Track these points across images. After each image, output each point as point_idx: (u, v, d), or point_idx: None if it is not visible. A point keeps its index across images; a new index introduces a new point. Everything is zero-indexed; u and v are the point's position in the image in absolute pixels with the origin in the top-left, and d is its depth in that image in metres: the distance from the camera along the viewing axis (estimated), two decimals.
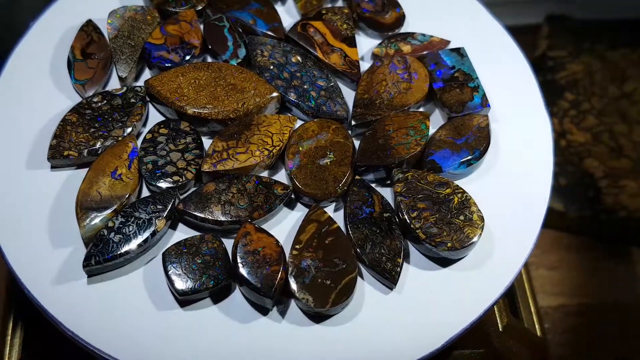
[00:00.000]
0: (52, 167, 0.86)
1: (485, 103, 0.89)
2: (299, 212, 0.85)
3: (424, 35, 0.96)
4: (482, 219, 0.81)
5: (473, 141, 0.86)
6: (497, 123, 0.91)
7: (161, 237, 0.82)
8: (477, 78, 0.91)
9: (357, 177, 0.86)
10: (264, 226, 0.84)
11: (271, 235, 0.80)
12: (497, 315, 0.98)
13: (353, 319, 0.78)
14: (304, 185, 0.84)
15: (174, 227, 0.84)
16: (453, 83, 0.91)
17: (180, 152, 0.86)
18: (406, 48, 0.94)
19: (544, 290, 1.36)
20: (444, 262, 0.81)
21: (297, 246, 0.80)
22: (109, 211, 0.81)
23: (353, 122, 0.89)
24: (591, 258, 1.41)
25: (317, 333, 0.77)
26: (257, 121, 0.88)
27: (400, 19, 0.98)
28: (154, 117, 0.91)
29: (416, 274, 0.81)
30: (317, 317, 0.78)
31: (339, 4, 1.01)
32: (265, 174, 0.88)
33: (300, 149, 0.86)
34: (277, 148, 0.86)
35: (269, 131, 0.87)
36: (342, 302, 0.77)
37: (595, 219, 1.43)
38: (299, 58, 0.93)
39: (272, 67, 0.92)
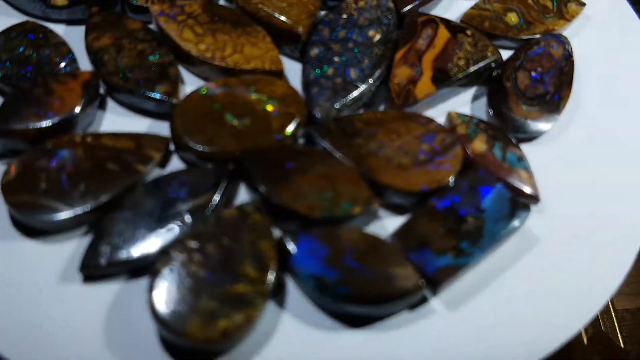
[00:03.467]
0: None
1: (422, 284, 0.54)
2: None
3: (520, 159, 0.60)
4: (223, 334, 0.50)
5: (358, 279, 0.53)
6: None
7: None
8: (481, 251, 0.55)
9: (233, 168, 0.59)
10: (115, 109, 0.63)
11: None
12: None
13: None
14: (182, 114, 0.61)
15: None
16: (447, 220, 0.56)
17: None
18: (480, 146, 0.61)
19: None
20: None
21: (88, 138, 0.59)
22: None
23: (308, 131, 0.61)
24: None
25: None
26: (252, 29, 0.65)
27: (535, 130, 0.63)
28: None
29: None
30: None
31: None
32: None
33: (241, 89, 0.62)
34: (224, 64, 0.63)
35: (244, 48, 0.64)
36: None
37: None
38: (377, 37, 0.65)
39: (344, 17, 0.66)
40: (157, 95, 0.61)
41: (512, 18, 0.68)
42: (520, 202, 0.57)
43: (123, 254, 0.54)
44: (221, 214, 0.55)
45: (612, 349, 0.88)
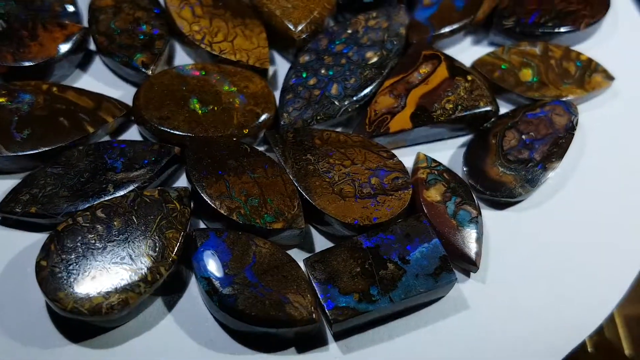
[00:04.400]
0: None
1: (317, 318, 0.51)
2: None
3: (472, 221, 0.56)
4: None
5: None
6: None
7: None
8: (388, 302, 0.52)
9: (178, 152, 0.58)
10: (101, 70, 0.64)
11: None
12: None
13: None
14: (148, 86, 0.60)
15: None
16: (366, 261, 0.53)
17: None
18: (434, 196, 0.57)
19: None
20: None
21: (53, 88, 0.59)
22: None
23: (264, 134, 0.59)
24: None
25: None
26: (251, 23, 0.64)
27: (504, 195, 0.58)
28: None
29: None
30: None
31: None
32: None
33: (216, 77, 0.61)
34: (209, 49, 0.63)
35: (236, 39, 0.63)
36: None
37: None
38: (373, 59, 0.62)
39: (348, 32, 0.64)
40: (134, 64, 0.61)
41: (526, 74, 0.63)
42: (449, 265, 0.53)
43: (37, 208, 0.54)
44: (142, 192, 0.54)
45: (620, 356, 0.79)
